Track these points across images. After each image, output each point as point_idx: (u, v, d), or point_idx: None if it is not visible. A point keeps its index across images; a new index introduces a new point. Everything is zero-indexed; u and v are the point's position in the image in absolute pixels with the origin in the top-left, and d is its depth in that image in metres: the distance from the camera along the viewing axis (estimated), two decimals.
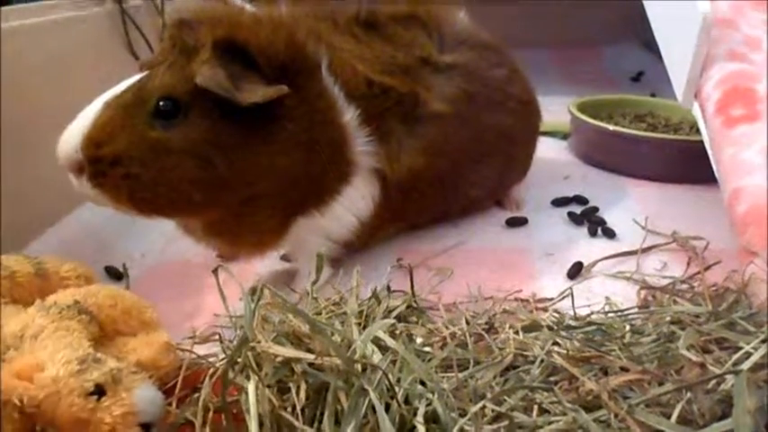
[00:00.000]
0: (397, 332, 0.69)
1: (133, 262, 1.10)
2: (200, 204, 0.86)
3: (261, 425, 0.60)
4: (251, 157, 0.85)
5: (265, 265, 1.08)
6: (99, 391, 0.65)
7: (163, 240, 1.16)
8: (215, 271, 0.70)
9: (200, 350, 0.79)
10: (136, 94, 0.84)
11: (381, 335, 0.64)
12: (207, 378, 0.70)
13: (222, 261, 1.07)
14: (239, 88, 0.81)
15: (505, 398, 0.65)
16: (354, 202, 0.97)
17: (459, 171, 1.10)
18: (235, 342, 0.68)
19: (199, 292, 1.01)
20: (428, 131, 1.02)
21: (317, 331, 0.59)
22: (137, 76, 0.87)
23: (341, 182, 0.94)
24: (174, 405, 0.73)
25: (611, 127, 1.43)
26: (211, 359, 0.76)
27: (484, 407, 0.60)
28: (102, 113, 0.82)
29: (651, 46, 2.26)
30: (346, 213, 0.97)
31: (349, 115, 0.93)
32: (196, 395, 0.72)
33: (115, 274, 1.05)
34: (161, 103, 0.82)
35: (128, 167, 0.81)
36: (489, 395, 0.64)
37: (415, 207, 1.07)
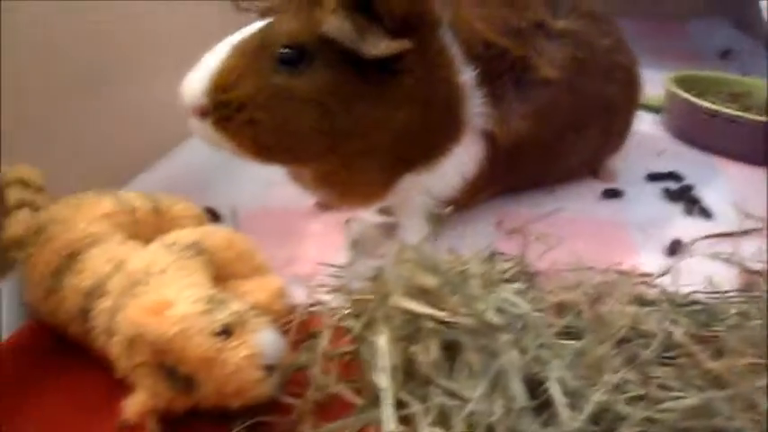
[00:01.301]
0: (527, 297, 0.69)
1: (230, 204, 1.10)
2: (318, 153, 0.86)
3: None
4: (369, 110, 0.85)
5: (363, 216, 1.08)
6: (226, 331, 0.66)
7: (260, 186, 1.17)
8: (347, 223, 0.71)
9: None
10: (262, 39, 0.84)
11: (512, 297, 0.64)
12: (327, 326, 0.71)
13: (319, 210, 1.08)
14: (364, 40, 0.81)
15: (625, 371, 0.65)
16: (461, 162, 0.96)
17: (562, 138, 1.09)
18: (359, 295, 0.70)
19: (297, 239, 1.02)
20: (538, 96, 1.02)
21: (456, 290, 0.60)
22: (260, 22, 0.87)
23: (451, 141, 0.93)
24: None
25: (707, 105, 1.40)
26: (323, 307, 0.78)
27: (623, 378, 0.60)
28: (228, 58, 0.83)
29: (740, 23, 2.22)
30: (452, 172, 0.97)
31: (466, 75, 0.93)
32: (310, 341, 0.74)
33: (214, 216, 1.06)
34: (287, 50, 0.83)
35: (252, 113, 0.82)
36: (606, 367, 0.65)
37: (517, 171, 1.06)
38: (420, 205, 0.98)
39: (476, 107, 0.94)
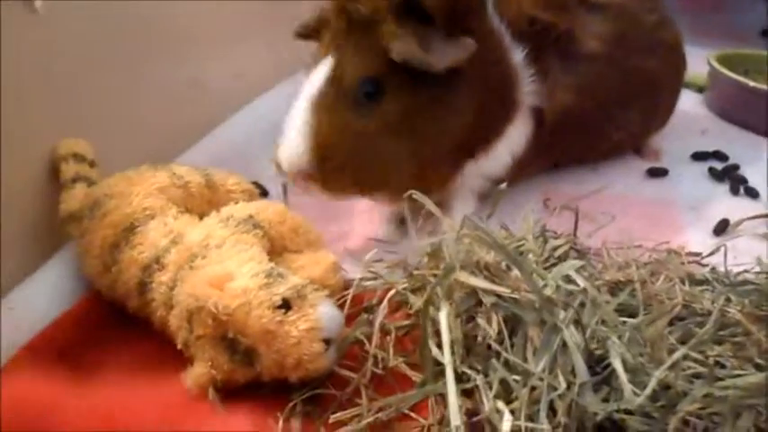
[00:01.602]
0: (585, 274, 0.69)
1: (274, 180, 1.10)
2: (410, 176, 0.87)
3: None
4: (440, 117, 0.86)
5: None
6: (286, 305, 0.67)
7: None
8: (409, 198, 0.71)
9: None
10: (337, 87, 0.83)
11: (573, 274, 0.64)
12: (382, 301, 0.71)
13: None
14: (429, 52, 0.80)
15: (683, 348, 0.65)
16: (513, 141, 0.97)
17: (606, 112, 1.08)
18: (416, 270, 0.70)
19: (345, 215, 1.04)
20: (582, 70, 1.01)
21: (517, 267, 0.60)
22: (321, 66, 0.86)
23: (507, 122, 0.94)
24: None
25: (751, 83, 1.39)
26: (376, 282, 0.78)
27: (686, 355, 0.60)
28: (313, 117, 0.83)
29: None
30: (505, 152, 0.97)
31: (517, 54, 0.93)
32: (365, 316, 0.74)
33: (262, 191, 1.06)
34: (363, 90, 0.83)
35: (353, 166, 0.84)
36: (663, 345, 0.64)
37: (562, 146, 1.06)
38: (470, 186, 0.99)
39: (527, 85, 0.94)
